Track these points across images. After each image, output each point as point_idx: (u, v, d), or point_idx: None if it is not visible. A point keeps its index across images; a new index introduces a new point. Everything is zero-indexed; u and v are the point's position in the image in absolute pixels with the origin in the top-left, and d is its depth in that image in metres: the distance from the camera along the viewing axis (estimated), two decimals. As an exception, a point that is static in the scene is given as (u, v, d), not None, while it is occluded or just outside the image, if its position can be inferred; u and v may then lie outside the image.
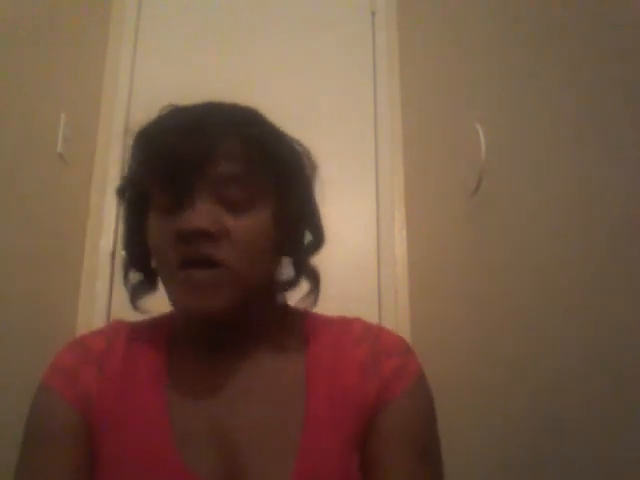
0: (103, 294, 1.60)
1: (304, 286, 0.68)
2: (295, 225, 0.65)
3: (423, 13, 1.66)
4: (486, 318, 1.06)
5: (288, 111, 1.76)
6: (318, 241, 0.67)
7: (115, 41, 1.87)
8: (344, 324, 0.68)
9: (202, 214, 0.57)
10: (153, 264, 0.65)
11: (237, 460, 0.58)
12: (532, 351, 0.86)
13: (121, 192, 0.67)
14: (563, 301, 0.78)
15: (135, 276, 0.67)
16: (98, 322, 1.56)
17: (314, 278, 0.67)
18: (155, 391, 0.61)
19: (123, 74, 1.83)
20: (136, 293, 0.67)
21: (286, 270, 0.67)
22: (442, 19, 1.47)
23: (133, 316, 0.70)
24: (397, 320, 1.61)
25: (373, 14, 1.92)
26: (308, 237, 0.68)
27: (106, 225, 1.66)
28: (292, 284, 0.66)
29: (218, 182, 0.59)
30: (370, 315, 1.48)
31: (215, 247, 0.57)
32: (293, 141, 0.67)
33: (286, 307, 0.70)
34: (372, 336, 0.66)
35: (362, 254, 1.70)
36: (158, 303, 0.67)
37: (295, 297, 0.69)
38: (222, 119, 0.60)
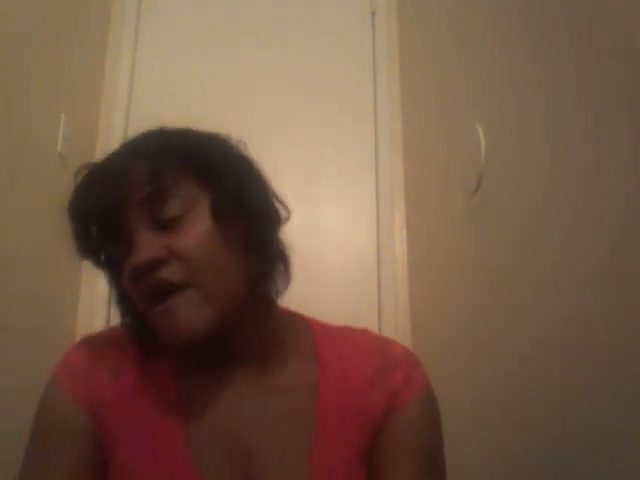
0: (103, 294, 1.60)
1: (298, 293, 0.66)
2: (239, 213, 0.59)
3: (423, 13, 1.66)
4: (486, 318, 1.06)
5: (288, 111, 1.78)
6: (277, 215, 0.64)
7: (115, 41, 1.86)
8: (352, 336, 0.68)
9: (140, 246, 0.57)
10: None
11: (251, 476, 0.58)
12: (532, 351, 0.87)
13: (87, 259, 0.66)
14: (563, 301, 0.78)
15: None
16: (98, 322, 1.56)
17: (283, 258, 0.64)
18: (168, 406, 0.61)
19: (123, 74, 1.83)
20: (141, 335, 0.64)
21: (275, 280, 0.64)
22: (442, 19, 1.47)
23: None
24: (397, 320, 1.61)
25: (373, 14, 1.92)
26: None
27: (106, 225, 1.65)
28: (264, 273, 0.62)
29: (134, 211, 0.58)
30: (370, 315, 1.50)
31: (167, 271, 0.56)
32: (207, 134, 0.64)
33: (288, 315, 0.69)
34: (379, 349, 0.66)
35: (362, 254, 1.69)
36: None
37: (288, 299, 0.67)
38: (123, 154, 0.61)
